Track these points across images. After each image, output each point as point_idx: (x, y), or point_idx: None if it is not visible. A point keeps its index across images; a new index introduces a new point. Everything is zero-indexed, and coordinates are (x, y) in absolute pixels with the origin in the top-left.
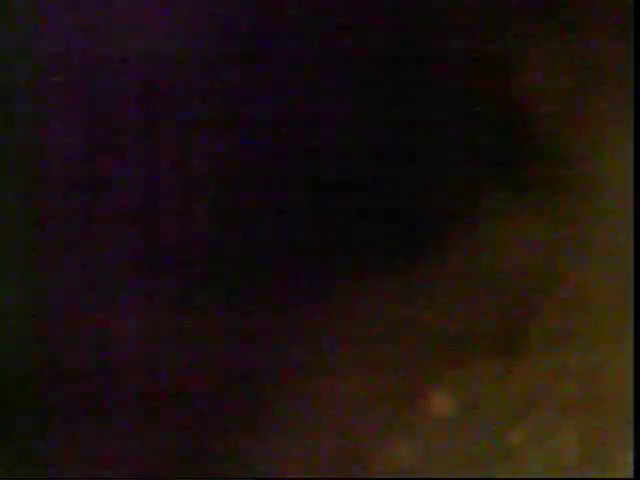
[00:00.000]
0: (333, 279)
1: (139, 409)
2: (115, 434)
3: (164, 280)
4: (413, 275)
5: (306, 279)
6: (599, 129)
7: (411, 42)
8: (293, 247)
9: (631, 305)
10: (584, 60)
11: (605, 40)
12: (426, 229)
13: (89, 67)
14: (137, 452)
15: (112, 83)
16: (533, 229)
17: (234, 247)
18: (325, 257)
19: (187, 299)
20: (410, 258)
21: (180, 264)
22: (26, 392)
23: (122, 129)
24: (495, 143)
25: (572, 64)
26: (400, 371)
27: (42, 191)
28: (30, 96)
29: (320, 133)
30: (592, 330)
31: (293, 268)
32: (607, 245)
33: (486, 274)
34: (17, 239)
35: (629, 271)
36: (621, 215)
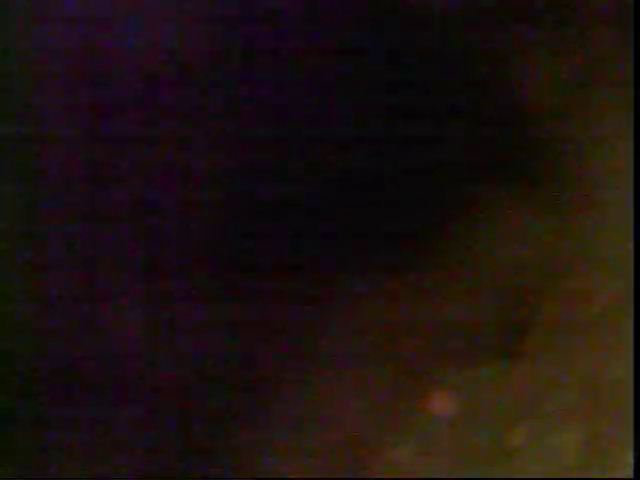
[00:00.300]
0: (331, 279)
1: (140, 407)
2: (114, 434)
3: (165, 277)
4: (412, 275)
5: (304, 277)
6: (599, 127)
7: (409, 34)
8: (293, 245)
9: (631, 305)
10: (584, 58)
11: (605, 38)
12: (424, 228)
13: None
14: (137, 452)
15: (114, 80)
16: (533, 228)
17: (235, 243)
18: (321, 256)
19: (186, 293)
20: (407, 259)
21: (181, 260)
22: (28, 392)
23: (123, 127)
24: (494, 140)
25: (572, 62)
26: (397, 373)
27: (42, 191)
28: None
29: (321, 132)
30: (593, 331)
31: (293, 266)
32: (608, 245)
33: (485, 274)
34: (17, 240)
35: (629, 271)
36: (621, 213)
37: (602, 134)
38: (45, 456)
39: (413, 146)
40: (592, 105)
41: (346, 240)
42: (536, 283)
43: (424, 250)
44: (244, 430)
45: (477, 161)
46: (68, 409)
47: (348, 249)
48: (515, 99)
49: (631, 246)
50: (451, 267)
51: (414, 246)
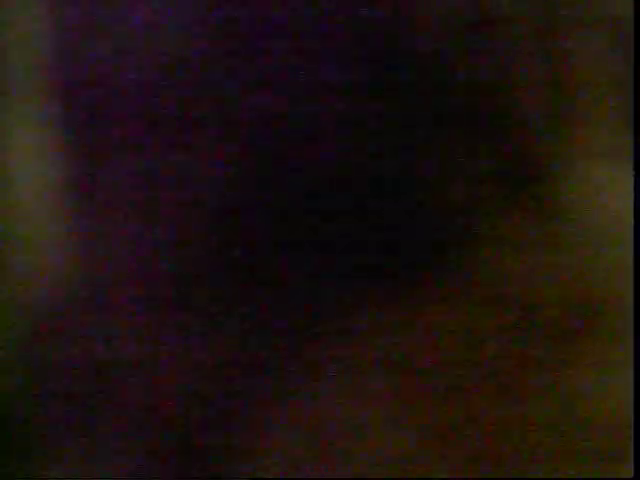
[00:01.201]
0: (326, 309)
1: (139, 409)
2: (113, 437)
3: (164, 283)
4: (411, 307)
5: (298, 310)
6: (602, 157)
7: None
8: (291, 272)
9: (631, 312)
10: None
11: (604, 45)
12: (426, 258)
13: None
14: (136, 452)
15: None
16: (535, 256)
17: (235, 253)
18: (317, 288)
19: (187, 300)
20: (408, 289)
21: (179, 267)
22: (25, 394)
23: (121, 131)
24: (497, 167)
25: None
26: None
27: (42, 195)
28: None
29: (319, 144)
30: (594, 356)
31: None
32: (610, 272)
33: (488, 304)
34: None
35: (630, 297)
36: (623, 240)
37: (605, 161)
38: (43, 457)
39: (413, 178)
40: (595, 136)
41: (341, 272)
42: (540, 313)
43: (424, 281)
44: (246, 432)
45: (481, 189)
46: (66, 410)
47: (340, 281)
48: (517, 122)
49: (631, 273)
50: (453, 299)
51: (414, 277)
